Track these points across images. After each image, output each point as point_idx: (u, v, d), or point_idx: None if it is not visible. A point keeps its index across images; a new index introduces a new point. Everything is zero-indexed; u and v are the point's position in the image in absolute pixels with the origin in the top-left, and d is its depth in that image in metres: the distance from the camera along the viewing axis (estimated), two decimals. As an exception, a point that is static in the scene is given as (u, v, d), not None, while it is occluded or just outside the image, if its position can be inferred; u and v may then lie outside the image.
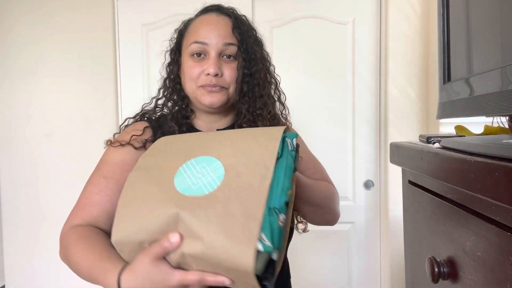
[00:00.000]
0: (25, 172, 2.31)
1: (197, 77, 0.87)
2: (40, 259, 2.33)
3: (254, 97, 0.90)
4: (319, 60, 2.14)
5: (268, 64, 0.96)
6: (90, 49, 2.24)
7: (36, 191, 2.31)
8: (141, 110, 0.98)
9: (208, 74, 0.85)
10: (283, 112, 1.00)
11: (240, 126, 0.91)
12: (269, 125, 0.91)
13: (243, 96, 0.91)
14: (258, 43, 0.93)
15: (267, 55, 0.97)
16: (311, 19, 2.14)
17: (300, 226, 0.98)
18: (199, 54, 0.87)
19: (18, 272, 2.35)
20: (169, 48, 0.96)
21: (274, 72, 0.99)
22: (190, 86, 0.89)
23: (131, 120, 0.96)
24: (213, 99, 0.87)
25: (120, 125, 0.97)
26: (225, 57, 0.87)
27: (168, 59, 0.96)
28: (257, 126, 0.90)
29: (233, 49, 0.87)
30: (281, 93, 1.00)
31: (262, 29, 2.16)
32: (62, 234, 0.83)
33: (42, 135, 2.30)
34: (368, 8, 2.11)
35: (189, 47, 0.88)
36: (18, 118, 2.31)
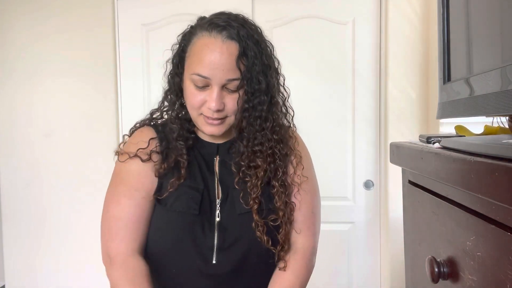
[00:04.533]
0: (25, 172, 2.31)
1: (199, 107, 0.85)
2: (40, 259, 2.33)
3: (254, 131, 0.87)
4: (319, 60, 2.14)
5: (274, 90, 0.89)
6: (90, 49, 2.24)
7: (36, 191, 2.31)
8: (150, 116, 0.97)
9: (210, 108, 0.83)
10: (291, 127, 0.97)
11: (238, 165, 0.88)
12: (269, 161, 0.88)
13: (242, 131, 0.89)
14: (265, 69, 0.86)
15: (276, 76, 0.91)
16: (311, 19, 2.14)
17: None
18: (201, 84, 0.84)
19: (18, 272, 2.35)
20: (171, 57, 0.92)
21: (284, 84, 0.95)
22: (191, 111, 0.88)
23: (138, 125, 0.97)
24: (214, 130, 0.86)
25: (130, 129, 0.97)
26: (228, 88, 0.84)
27: (169, 68, 0.92)
28: (256, 163, 0.87)
29: (235, 83, 0.83)
30: (288, 108, 0.97)
31: (262, 29, 2.16)
32: (114, 259, 0.84)
33: (42, 135, 2.30)
34: (368, 8, 2.11)
35: (191, 76, 0.84)
36: (18, 118, 2.31)
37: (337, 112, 2.16)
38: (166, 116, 0.96)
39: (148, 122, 0.97)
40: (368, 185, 2.17)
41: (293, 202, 0.90)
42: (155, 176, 0.89)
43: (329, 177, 2.15)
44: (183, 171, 0.88)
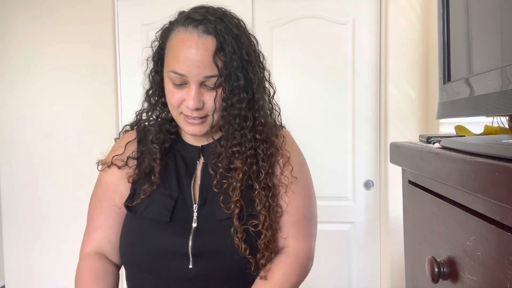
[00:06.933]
0: (25, 172, 2.31)
1: (178, 105, 0.82)
2: (40, 259, 2.33)
3: (232, 130, 0.83)
4: (319, 60, 2.14)
5: (256, 87, 0.84)
6: (90, 49, 2.24)
7: (36, 191, 2.31)
8: (136, 118, 0.95)
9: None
10: (277, 125, 0.93)
11: (216, 166, 0.85)
12: (251, 162, 0.84)
13: (221, 131, 0.86)
14: (245, 64, 0.81)
15: (259, 72, 0.86)
16: (311, 19, 2.14)
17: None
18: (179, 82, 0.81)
19: (18, 272, 2.35)
20: (150, 55, 0.90)
21: (269, 79, 0.90)
22: (171, 110, 0.85)
23: (128, 127, 0.96)
24: (195, 130, 0.83)
25: (119, 132, 0.97)
26: (207, 85, 0.81)
27: (150, 67, 0.90)
28: (235, 165, 0.83)
29: (213, 80, 0.79)
30: (274, 105, 0.92)
31: (262, 29, 2.16)
32: (80, 257, 0.89)
33: (41, 135, 2.30)
34: (368, 8, 2.11)
35: (168, 73, 0.81)
36: (17, 118, 2.31)
37: (337, 112, 2.16)
38: (152, 117, 0.93)
39: (135, 123, 0.95)
40: (368, 185, 2.17)
41: (278, 204, 0.85)
42: (128, 182, 0.88)
43: (329, 177, 2.15)
44: (156, 177, 0.86)
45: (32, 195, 2.32)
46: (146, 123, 0.93)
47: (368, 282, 2.20)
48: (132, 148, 0.91)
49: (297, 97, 2.15)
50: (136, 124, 0.95)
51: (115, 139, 0.96)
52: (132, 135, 0.93)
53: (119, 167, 0.89)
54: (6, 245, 2.35)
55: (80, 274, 0.84)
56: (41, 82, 2.29)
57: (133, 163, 0.89)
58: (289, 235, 0.87)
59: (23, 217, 2.33)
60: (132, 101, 2.25)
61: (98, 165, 0.92)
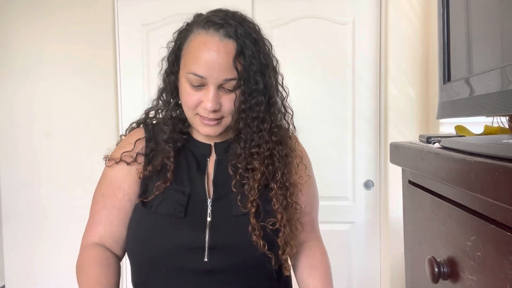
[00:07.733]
0: (25, 172, 2.32)
1: (195, 106, 0.83)
2: (40, 259, 2.33)
3: (251, 132, 0.85)
4: (319, 60, 2.14)
5: (272, 90, 0.87)
6: (90, 49, 2.24)
7: (36, 191, 2.31)
8: (144, 116, 0.96)
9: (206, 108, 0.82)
10: (290, 128, 0.95)
11: (235, 167, 0.87)
12: (267, 163, 0.86)
13: (239, 133, 0.87)
14: (263, 68, 0.84)
15: (274, 76, 0.89)
16: (311, 19, 2.14)
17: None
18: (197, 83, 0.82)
19: (18, 272, 2.35)
20: (166, 55, 0.91)
21: (282, 83, 0.93)
22: (186, 111, 0.86)
23: (134, 125, 0.97)
24: (210, 130, 0.85)
25: (126, 129, 0.98)
26: (225, 88, 0.82)
27: (165, 67, 0.91)
28: (253, 166, 0.86)
29: (232, 83, 0.81)
30: (287, 108, 0.95)
31: (262, 29, 2.16)
32: (81, 248, 0.89)
33: (42, 135, 2.30)
34: (368, 8, 2.11)
35: (186, 75, 0.82)
36: (18, 118, 2.32)
37: (337, 112, 2.16)
38: (160, 115, 0.94)
39: (142, 121, 0.96)
40: (368, 185, 2.17)
41: (296, 202, 0.89)
42: (139, 178, 0.89)
43: (329, 177, 2.15)
44: (169, 174, 0.87)
45: (32, 195, 2.32)
46: (154, 121, 0.95)
47: (368, 282, 2.20)
48: (141, 145, 0.92)
49: (297, 97, 2.15)
50: (144, 122, 0.96)
51: (121, 136, 0.97)
52: (141, 132, 0.94)
53: (128, 163, 0.89)
54: (6, 245, 2.35)
55: (84, 262, 0.85)
56: (41, 82, 2.29)
57: (141, 159, 0.90)
58: (307, 232, 0.96)
59: (23, 217, 2.33)
60: (132, 101, 2.26)
61: (105, 160, 0.93)
